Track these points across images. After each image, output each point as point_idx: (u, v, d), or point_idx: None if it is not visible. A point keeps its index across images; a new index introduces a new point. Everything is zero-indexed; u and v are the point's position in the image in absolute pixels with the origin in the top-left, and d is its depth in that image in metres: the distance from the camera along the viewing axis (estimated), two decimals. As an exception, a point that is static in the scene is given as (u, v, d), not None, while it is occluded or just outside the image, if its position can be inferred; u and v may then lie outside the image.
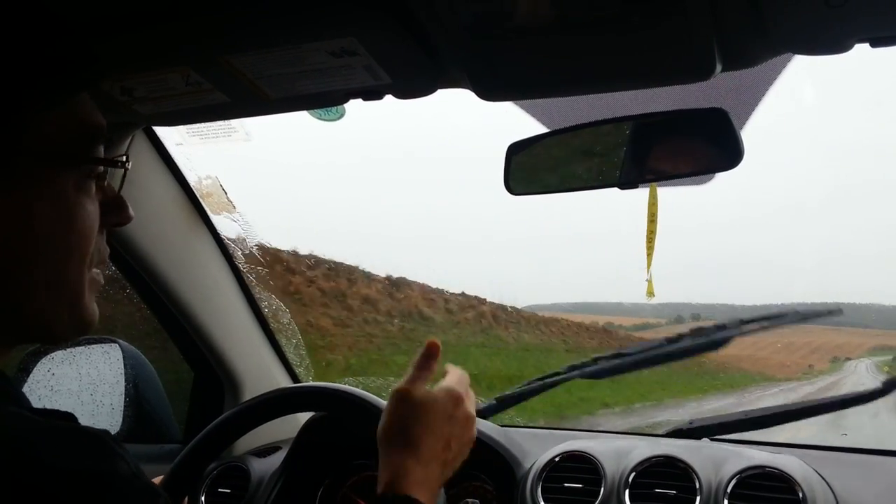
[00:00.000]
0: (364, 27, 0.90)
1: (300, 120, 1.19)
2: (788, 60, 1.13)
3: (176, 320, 1.62)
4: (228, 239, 1.72)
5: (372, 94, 1.06)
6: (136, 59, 1.01)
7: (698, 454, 1.38)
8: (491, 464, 1.46)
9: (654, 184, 1.25)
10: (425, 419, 0.95)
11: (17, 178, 0.64)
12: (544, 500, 1.38)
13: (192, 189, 1.57)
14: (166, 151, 1.48)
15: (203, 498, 1.58)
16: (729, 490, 1.29)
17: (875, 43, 0.83)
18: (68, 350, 1.61)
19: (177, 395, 1.83)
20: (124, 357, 1.62)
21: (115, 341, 1.64)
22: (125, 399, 1.60)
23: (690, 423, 1.59)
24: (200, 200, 1.60)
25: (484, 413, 1.68)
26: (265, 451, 1.68)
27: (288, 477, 1.53)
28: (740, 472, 1.31)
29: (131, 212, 0.77)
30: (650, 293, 1.33)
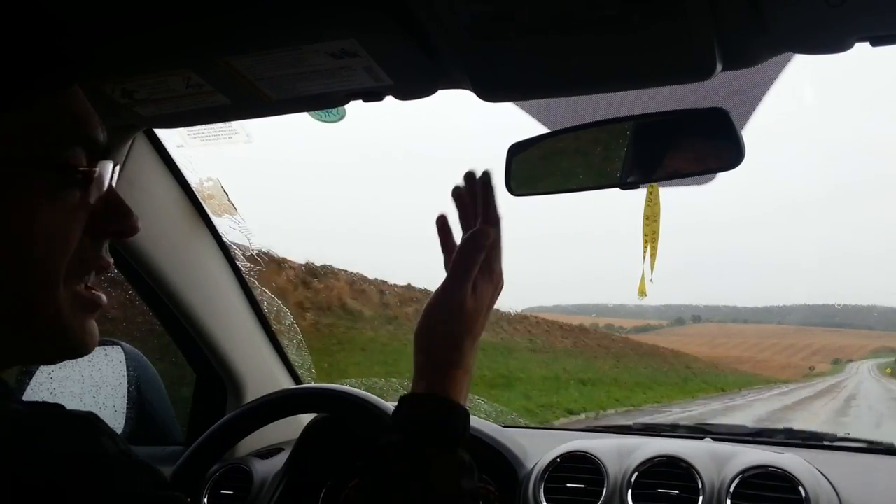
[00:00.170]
0: (364, 28, 0.90)
1: (301, 121, 1.19)
2: (789, 60, 1.13)
3: (178, 322, 1.63)
4: (232, 243, 1.72)
5: (372, 95, 1.06)
6: (136, 62, 1.01)
7: (701, 453, 1.37)
8: (493, 464, 1.46)
9: (655, 184, 1.25)
10: (457, 326, 0.91)
11: None
12: (546, 501, 1.38)
13: (193, 191, 1.57)
14: (167, 153, 1.48)
15: (206, 500, 1.58)
16: (732, 489, 1.28)
17: (875, 42, 0.83)
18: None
19: (179, 397, 1.83)
20: (127, 359, 1.62)
21: (117, 343, 1.64)
22: (127, 401, 1.60)
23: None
24: (202, 202, 1.60)
25: None
26: (268, 452, 1.68)
27: (291, 478, 1.53)
28: (743, 472, 1.31)
29: (136, 221, 0.71)
30: (642, 293, 1.33)
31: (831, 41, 0.85)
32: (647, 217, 1.27)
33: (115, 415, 1.59)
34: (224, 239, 1.69)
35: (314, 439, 1.55)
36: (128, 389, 1.61)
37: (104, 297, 0.69)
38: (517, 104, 1.37)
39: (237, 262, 1.73)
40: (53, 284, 0.63)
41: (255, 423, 1.31)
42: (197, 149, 1.41)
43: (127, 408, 1.60)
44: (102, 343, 1.65)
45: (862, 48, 0.85)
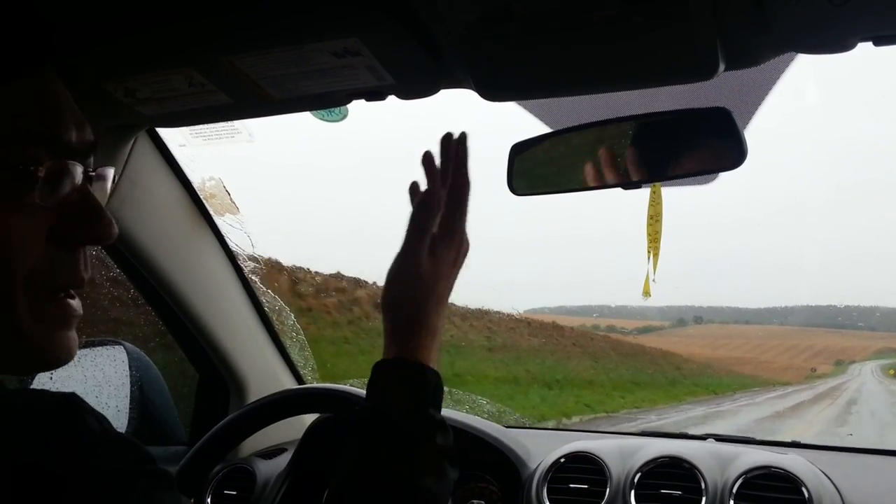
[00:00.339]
0: (367, 28, 0.90)
1: (303, 121, 1.19)
2: (792, 59, 1.12)
3: (180, 322, 1.62)
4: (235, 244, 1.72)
5: (375, 94, 1.06)
6: (139, 61, 1.01)
7: (703, 454, 1.37)
8: (496, 465, 1.46)
9: (657, 184, 1.25)
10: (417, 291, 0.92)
11: None
12: (550, 501, 1.38)
13: (195, 190, 1.58)
14: (169, 153, 1.48)
15: (209, 500, 1.58)
16: (735, 490, 1.28)
17: (878, 41, 0.83)
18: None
19: (182, 397, 1.83)
20: (129, 359, 1.63)
21: (119, 343, 1.64)
22: (130, 401, 1.60)
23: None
24: (204, 202, 1.60)
25: None
26: (271, 452, 1.68)
27: (294, 478, 1.53)
28: (746, 473, 1.30)
29: (109, 226, 0.64)
30: (646, 293, 1.33)
31: (834, 41, 0.85)
32: (650, 217, 1.27)
33: (118, 415, 1.59)
34: (226, 238, 1.69)
35: (317, 439, 1.54)
36: (130, 389, 1.61)
37: (78, 309, 0.65)
38: (519, 104, 1.37)
39: (239, 262, 1.73)
40: (15, 291, 0.58)
41: (257, 423, 1.31)
42: (199, 148, 1.41)
43: (130, 408, 1.60)
44: (105, 343, 1.65)
45: (865, 48, 0.84)
